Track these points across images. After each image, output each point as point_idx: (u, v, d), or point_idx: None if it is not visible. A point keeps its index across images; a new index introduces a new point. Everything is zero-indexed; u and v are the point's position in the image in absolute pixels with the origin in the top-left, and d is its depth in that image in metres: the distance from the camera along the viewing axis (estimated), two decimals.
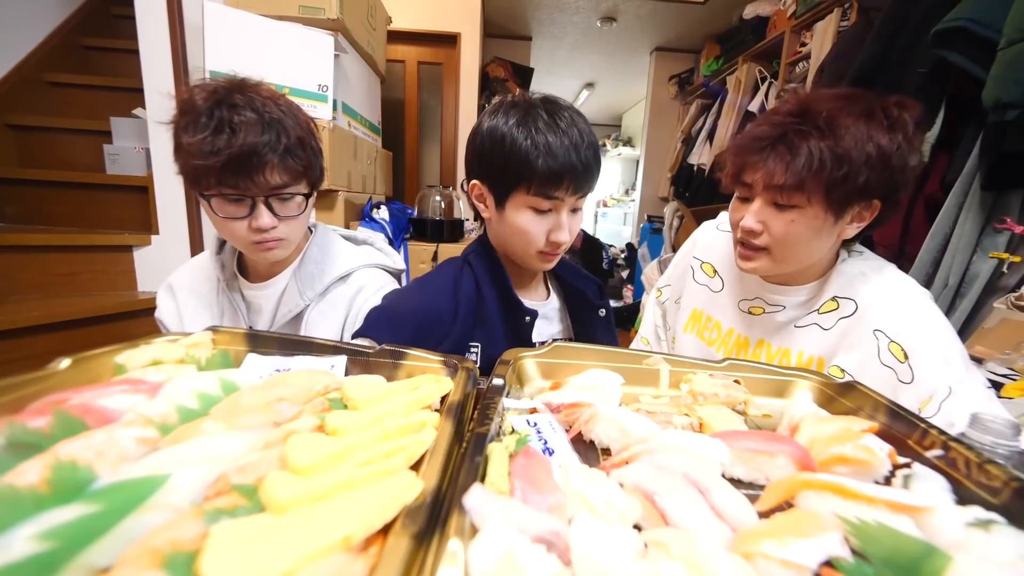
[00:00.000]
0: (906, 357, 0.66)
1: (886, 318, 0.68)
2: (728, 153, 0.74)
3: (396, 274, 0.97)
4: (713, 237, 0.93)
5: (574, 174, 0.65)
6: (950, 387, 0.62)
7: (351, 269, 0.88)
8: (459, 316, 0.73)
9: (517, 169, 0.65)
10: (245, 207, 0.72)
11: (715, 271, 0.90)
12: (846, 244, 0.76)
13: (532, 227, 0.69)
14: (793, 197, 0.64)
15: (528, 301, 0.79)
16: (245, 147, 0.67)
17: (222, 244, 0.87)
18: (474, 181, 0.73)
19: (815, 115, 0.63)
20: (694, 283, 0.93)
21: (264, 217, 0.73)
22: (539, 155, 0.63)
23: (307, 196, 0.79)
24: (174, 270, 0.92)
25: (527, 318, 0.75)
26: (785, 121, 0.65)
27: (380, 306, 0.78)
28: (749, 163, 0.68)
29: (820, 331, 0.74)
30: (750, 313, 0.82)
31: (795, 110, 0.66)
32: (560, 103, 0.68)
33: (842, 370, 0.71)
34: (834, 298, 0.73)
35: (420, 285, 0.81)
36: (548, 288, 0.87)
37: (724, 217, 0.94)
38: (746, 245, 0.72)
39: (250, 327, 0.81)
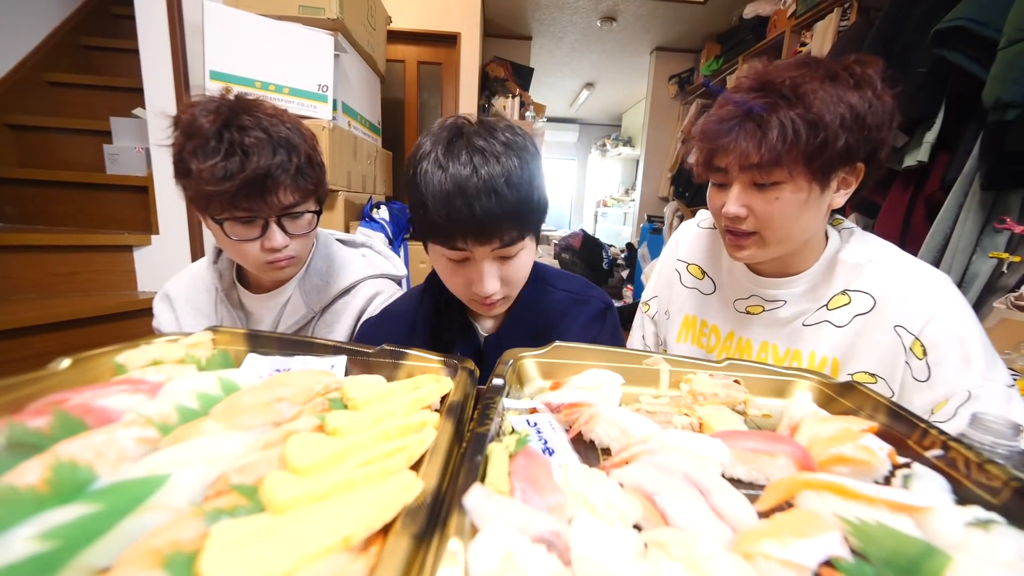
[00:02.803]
0: (925, 353, 0.62)
1: (908, 312, 0.64)
2: (695, 140, 0.69)
3: (397, 280, 0.97)
4: (696, 236, 0.89)
5: (467, 227, 0.54)
6: (969, 391, 0.58)
7: (356, 281, 0.87)
8: (420, 342, 0.72)
9: (419, 214, 0.57)
10: (257, 228, 0.71)
11: (703, 272, 0.86)
12: (837, 224, 0.74)
13: (451, 277, 0.62)
14: (773, 174, 0.60)
15: (488, 324, 0.75)
16: (259, 170, 0.66)
17: (219, 253, 0.86)
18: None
19: (778, 85, 0.59)
20: (682, 288, 0.88)
21: (277, 237, 0.72)
22: (431, 202, 0.54)
23: (317, 213, 0.79)
24: (174, 271, 0.91)
25: (478, 346, 0.72)
26: (748, 97, 0.61)
27: (355, 338, 0.78)
28: (719, 146, 0.63)
29: (832, 329, 0.69)
30: (748, 313, 0.77)
31: (756, 84, 0.62)
32: (486, 131, 0.56)
33: (872, 375, 0.67)
34: (844, 291, 0.69)
35: (383, 318, 0.79)
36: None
37: (704, 214, 0.90)
38: (734, 233, 0.68)
39: None
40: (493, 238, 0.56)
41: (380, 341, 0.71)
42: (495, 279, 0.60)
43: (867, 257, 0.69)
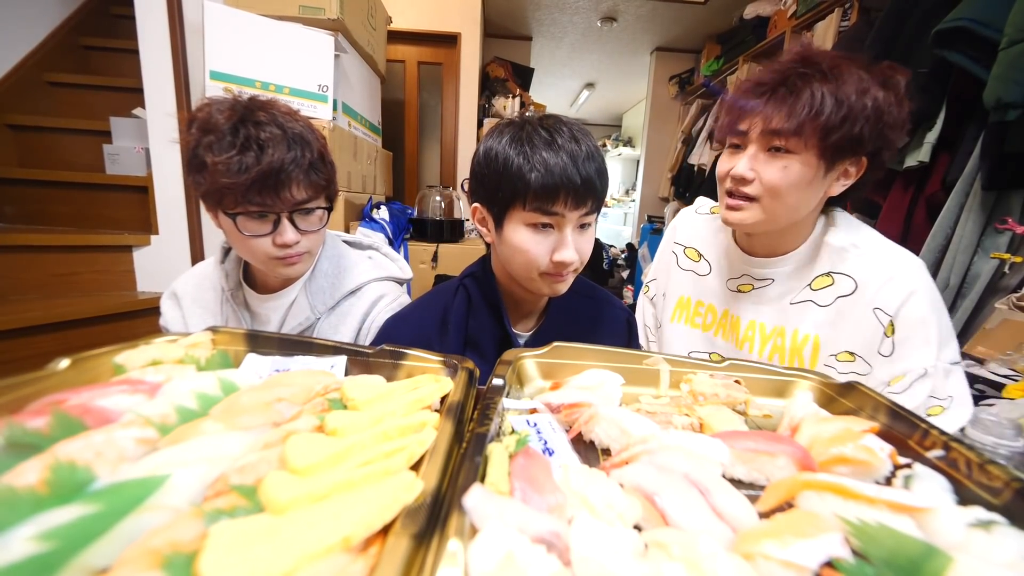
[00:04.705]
0: (893, 332, 0.68)
1: (885, 295, 0.69)
2: (726, 103, 0.73)
3: (402, 283, 0.97)
4: (694, 221, 0.93)
5: (571, 187, 0.61)
6: (926, 368, 0.65)
7: (362, 283, 0.87)
8: (449, 344, 0.72)
9: (512, 185, 0.62)
10: (269, 223, 0.72)
11: (700, 255, 0.90)
12: (825, 210, 0.77)
13: (532, 246, 0.64)
14: (789, 141, 0.65)
15: (521, 331, 0.77)
16: (274, 163, 0.67)
17: (226, 252, 0.86)
18: (475, 204, 0.70)
19: (819, 61, 0.64)
20: (679, 270, 0.92)
21: (288, 233, 0.73)
22: (532, 168, 0.61)
23: (327, 210, 0.79)
24: (174, 271, 0.91)
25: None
26: (788, 67, 0.66)
27: (378, 334, 0.78)
28: (748, 109, 0.68)
29: (815, 307, 0.74)
30: (739, 291, 0.82)
31: (798, 58, 0.67)
32: (561, 119, 0.66)
33: (851, 354, 0.72)
34: (828, 273, 0.74)
35: (412, 312, 0.79)
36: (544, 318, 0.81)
37: (701, 201, 0.96)
38: (735, 195, 0.71)
39: None
40: (588, 200, 0.63)
41: (406, 334, 0.73)
42: (574, 248, 0.66)
43: (851, 242, 0.73)
